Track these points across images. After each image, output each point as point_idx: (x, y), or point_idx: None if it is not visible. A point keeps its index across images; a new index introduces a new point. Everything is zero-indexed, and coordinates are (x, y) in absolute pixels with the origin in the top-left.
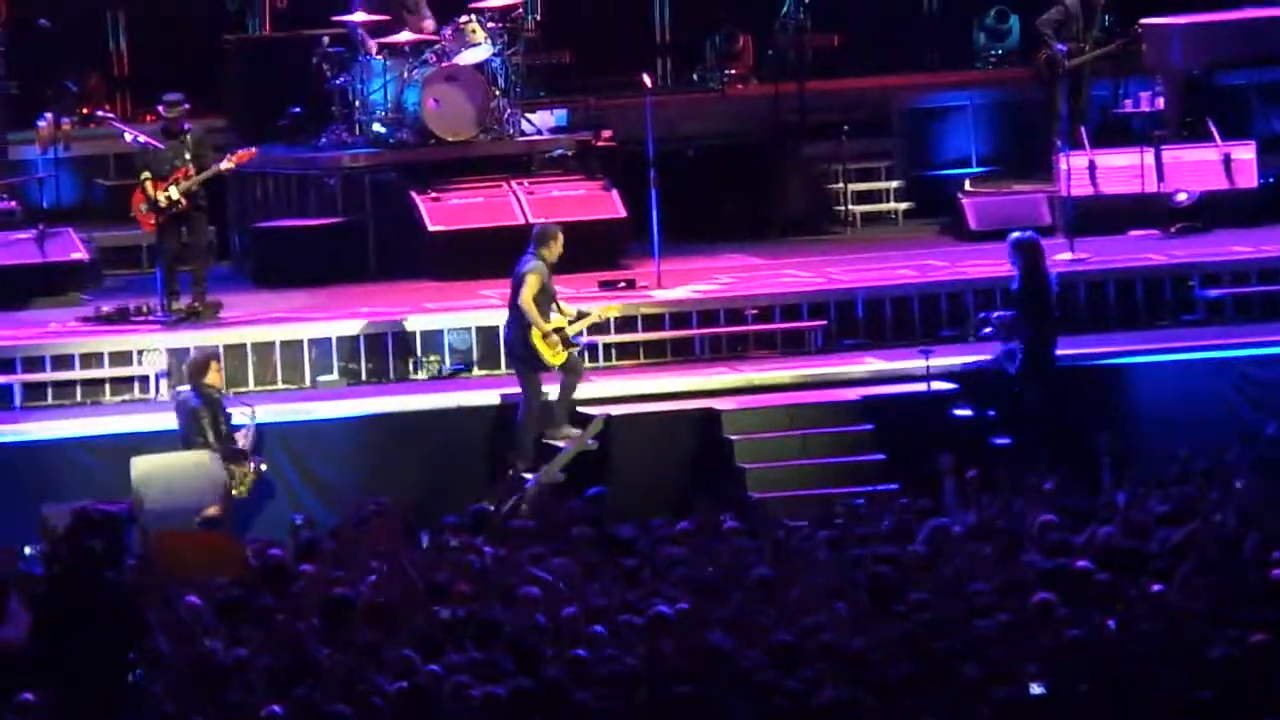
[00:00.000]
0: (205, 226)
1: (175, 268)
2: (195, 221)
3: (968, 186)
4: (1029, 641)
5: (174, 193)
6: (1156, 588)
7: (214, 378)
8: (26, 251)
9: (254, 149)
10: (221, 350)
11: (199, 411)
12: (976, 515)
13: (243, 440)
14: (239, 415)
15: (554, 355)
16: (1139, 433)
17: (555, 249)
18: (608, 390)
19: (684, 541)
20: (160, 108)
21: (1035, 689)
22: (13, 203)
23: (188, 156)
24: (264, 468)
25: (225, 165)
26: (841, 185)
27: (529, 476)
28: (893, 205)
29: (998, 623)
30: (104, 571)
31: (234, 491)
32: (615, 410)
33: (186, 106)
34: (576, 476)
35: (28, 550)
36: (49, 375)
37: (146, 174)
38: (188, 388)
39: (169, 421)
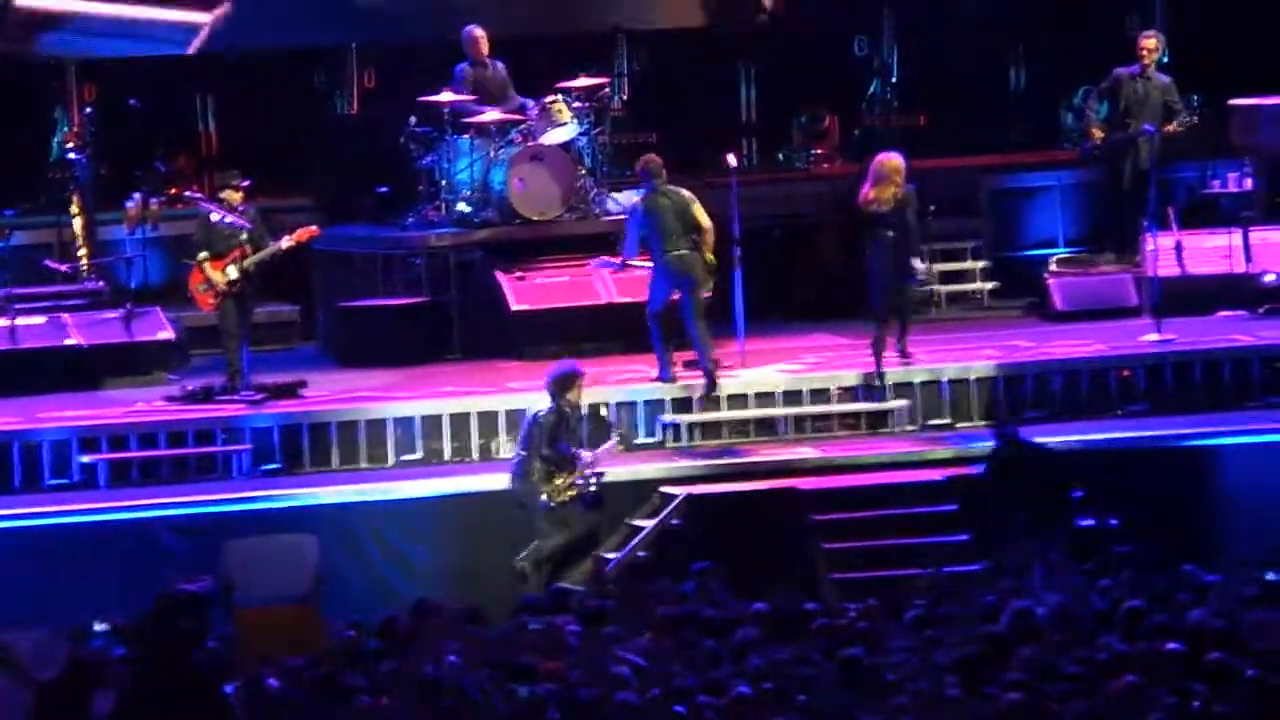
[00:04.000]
0: (253, 307)
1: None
2: (247, 302)
3: (1053, 267)
4: None
5: (233, 272)
6: (1250, 672)
7: (575, 394)
8: (113, 331)
9: (315, 228)
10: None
11: (547, 420)
12: (1062, 596)
13: (592, 456)
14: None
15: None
16: (1227, 513)
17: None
18: (690, 469)
19: (763, 622)
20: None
21: None
22: (100, 283)
23: (244, 237)
24: (594, 485)
25: (286, 244)
26: (927, 265)
27: (611, 557)
28: (978, 285)
29: (1084, 705)
30: (189, 651)
31: (552, 497)
32: (697, 489)
33: (245, 182)
34: (659, 555)
35: (97, 627)
36: (135, 454)
37: (204, 254)
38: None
39: (252, 503)
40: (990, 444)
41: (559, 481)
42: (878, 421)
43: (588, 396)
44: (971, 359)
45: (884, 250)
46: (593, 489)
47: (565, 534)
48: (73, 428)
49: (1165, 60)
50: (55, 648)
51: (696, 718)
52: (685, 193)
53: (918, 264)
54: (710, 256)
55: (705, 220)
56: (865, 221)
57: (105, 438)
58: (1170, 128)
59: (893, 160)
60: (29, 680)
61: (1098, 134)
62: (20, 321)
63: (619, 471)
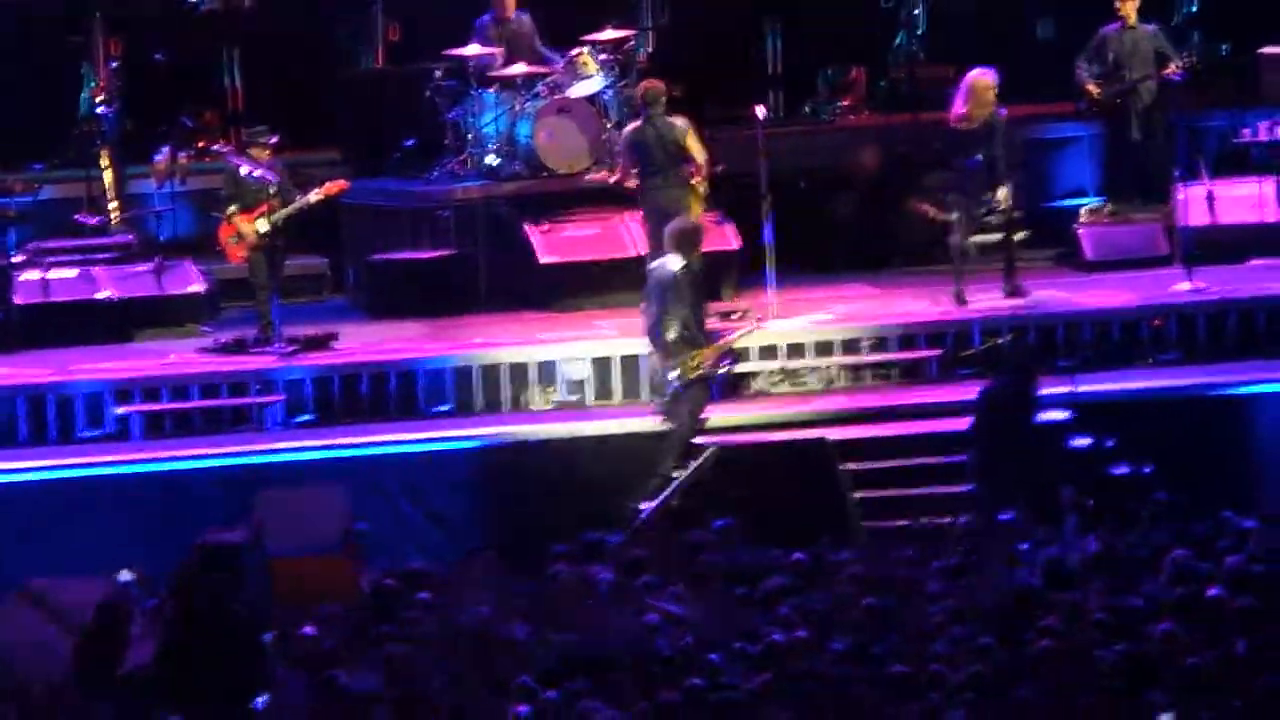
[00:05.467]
0: (283, 260)
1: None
2: (277, 255)
3: (1084, 217)
4: (1154, 671)
5: (263, 225)
6: None
7: (699, 253)
8: (145, 284)
9: (344, 181)
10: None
11: (682, 276)
12: (1096, 545)
13: (729, 339)
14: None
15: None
16: (1260, 462)
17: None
18: (721, 420)
19: (797, 571)
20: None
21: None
22: (130, 236)
23: (272, 190)
24: (726, 368)
25: (315, 197)
26: (1007, 193)
27: (644, 507)
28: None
29: (1120, 652)
30: (226, 601)
31: (683, 375)
32: (728, 440)
33: (274, 139)
34: (691, 505)
35: (123, 576)
36: (168, 406)
37: (234, 207)
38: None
39: (285, 454)
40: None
41: (692, 359)
42: (909, 371)
43: (619, 348)
44: (1002, 309)
45: (969, 173)
46: (722, 372)
47: (683, 422)
48: (106, 380)
49: (1193, 10)
50: (91, 596)
51: (730, 666)
52: (678, 123)
53: (1000, 191)
54: (700, 187)
55: (698, 151)
56: (954, 141)
57: (139, 390)
58: (1169, 70)
59: (983, 78)
60: (68, 628)
61: (1094, 90)
62: (52, 275)
63: (647, 424)
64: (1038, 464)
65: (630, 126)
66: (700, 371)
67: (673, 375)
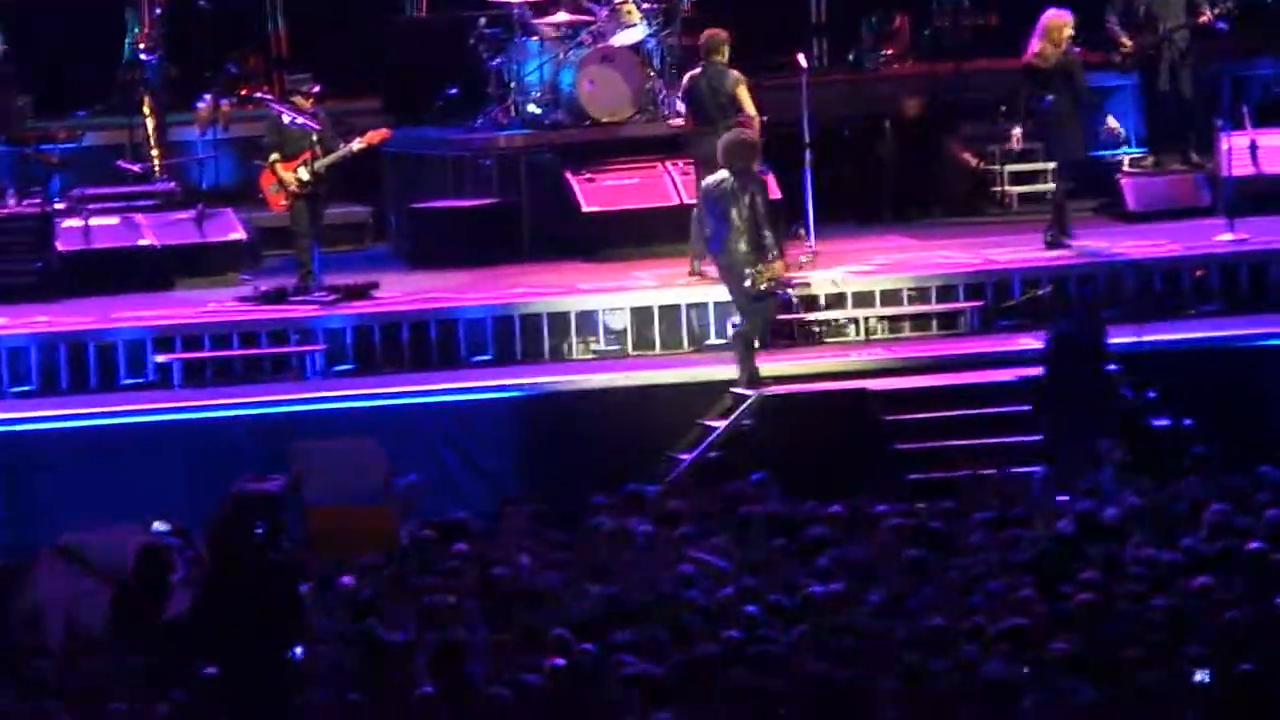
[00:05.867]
0: (324, 209)
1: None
2: (318, 203)
3: (1126, 167)
4: (1192, 625)
5: (304, 173)
6: None
7: (756, 165)
8: (186, 232)
9: (387, 129)
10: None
11: (728, 192)
12: (1135, 498)
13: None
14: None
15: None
16: None
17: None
18: (762, 370)
19: (836, 523)
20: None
21: (1200, 675)
22: (172, 183)
23: (314, 139)
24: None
25: (357, 146)
26: (998, 166)
27: (683, 458)
28: (1050, 185)
29: (1159, 606)
30: (263, 550)
31: (755, 281)
32: (768, 391)
33: (316, 88)
34: (729, 457)
35: (156, 527)
36: (209, 354)
37: (275, 155)
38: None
39: (325, 403)
40: (1056, 337)
41: (764, 271)
42: (948, 322)
43: (660, 298)
44: (1044, 260)
45: (1047, 113)
46: (788, 291)
47: (756, 324)
48: (147, 328)
49: None
50: (126, 548)
51: (768, 618)
52: (732, 74)
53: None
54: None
55: (748, 104)
56: (1029, 80)
57: (179, 338)
58: (1205, 18)
59: (1057, 18)
60: (105, 580)
61: (1126, 43)
62: (94, 222)
63: (687, 374)
64: (1107, 415)
65: (689, 74)
66: (771, 284)
67: (747, 284)
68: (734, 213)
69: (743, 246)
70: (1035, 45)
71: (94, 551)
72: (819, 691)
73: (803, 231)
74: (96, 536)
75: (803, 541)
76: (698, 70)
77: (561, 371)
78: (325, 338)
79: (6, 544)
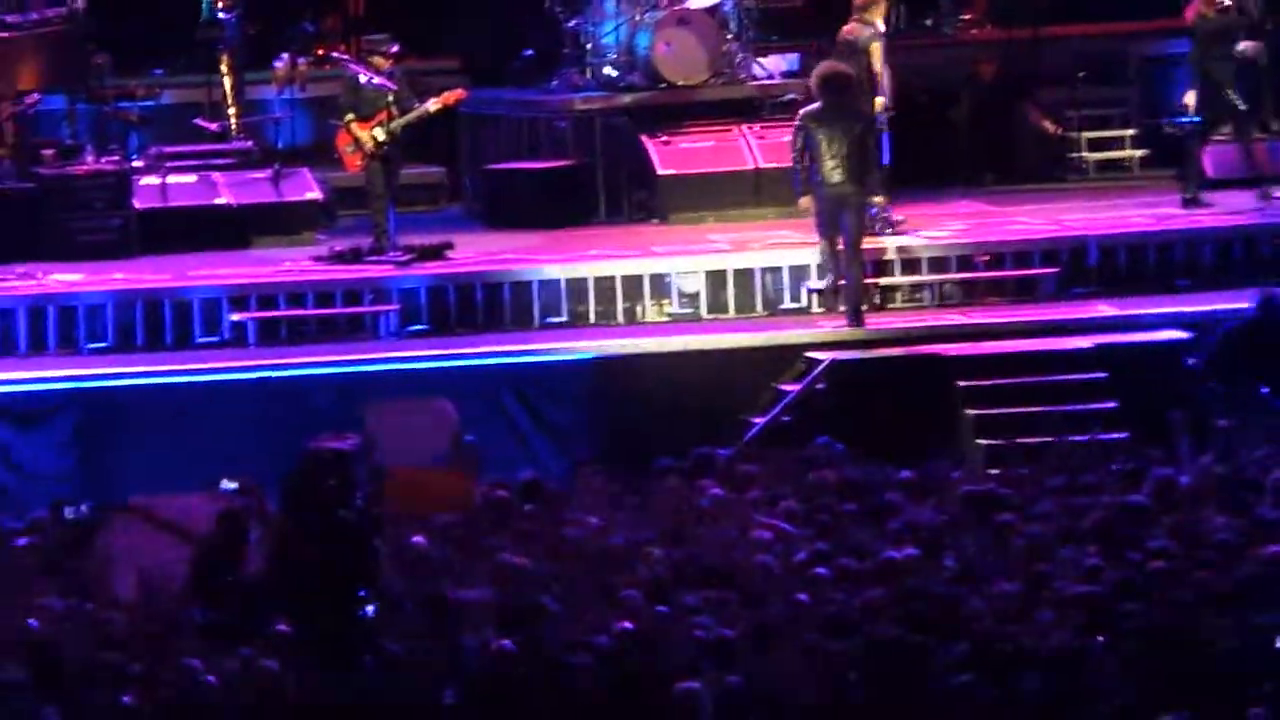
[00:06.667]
0: (399, 169)
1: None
2: (393, 163)
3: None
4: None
5: (380, 133)
6: None
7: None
8: (262, 190)
9: (462, 90)
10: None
11: (821, 119)
12: (1209, 466)
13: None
14: None
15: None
16: None
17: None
18: (835, 335)
19: (908, 488)
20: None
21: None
22: (249, 142)
23: (390, 99)
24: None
25: (433, 106)
26: (1076, 132)
27: (755, 421)
28: (1128, 153)
29: (1231, 575)
30: (336, 509)
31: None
32: (842, 355)
33: (394, 48)
34: (802, 421)
35: (225, 485)
36: (283, 313)
37: (351, 115)
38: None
39: (399, 363)
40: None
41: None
42: (1024, 288)
43: (734, 261)
44: (1121, 227)
45: (1207, 66)
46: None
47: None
48: (223, 286)
49: None
50: (198, 510)
51: (839, 582)
52: (867, 32)
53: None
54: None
55: (876, 60)
56: (1194, 36)
57: (255, 296)
58: None
59: None
60: (184, 536)
61: (1204, 8)
62: (171, 180)
63: (761, 338)
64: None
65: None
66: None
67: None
68: (824, 143)
69: (836, 177)
70: (1196, 4)
71: (167, 511)
72: (889, 656)
73: (881, 199)
74: (167, 499)
75: (874, 506)
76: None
77: (635, 334)
78: (399, 298)
79: (81, 499)
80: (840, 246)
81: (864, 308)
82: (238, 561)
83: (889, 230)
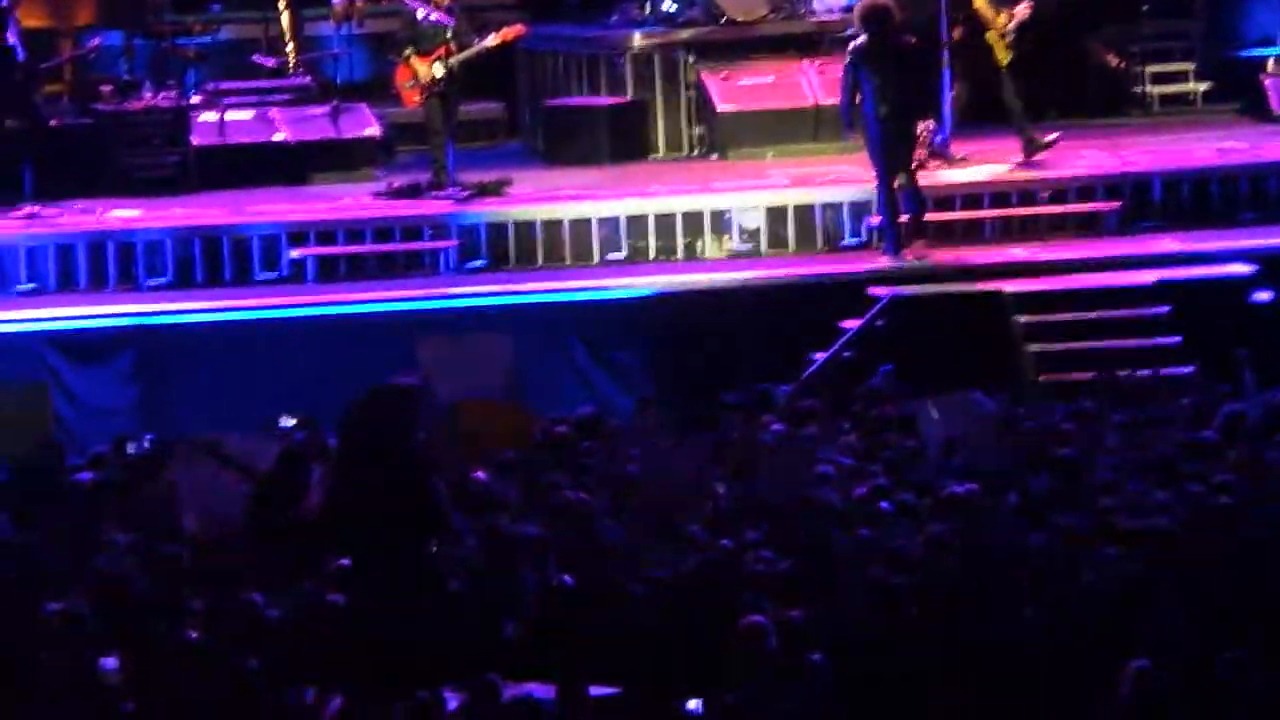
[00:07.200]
0: (458, 105)
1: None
2: (452, 99)
3: (1270, 67)
4: None
5: (439, 69)
6: None
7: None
8: (321, 127)
9: (522, 25)
10: None
11: (867, 53)
12: (1275, 401)
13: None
14: None
15: None
16: None
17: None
18: (896, 271)
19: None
20: None
21: None
22: (308, 78)
23: (449, 34)
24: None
25: (492, 42)
26: (1139, 66)
27: (815, 357)
28: (1192, 86)
29: None
30: (397, 444)
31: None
32: (902, 290)
33: None
34: (862, 357)
35: (283, 422)
36: (342, 249)
37: (410, 50)
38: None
39: (459, 299)
40: None
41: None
42: (1086, 223)
43: (793, 198)
44: (1185, 161)
45: None
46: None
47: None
48: (281, 222)
49: None
50: (266, 443)
51: (902, 518)
52: None
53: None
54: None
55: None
56: None
57: (313, 233)
58: None
59: None
60: (246, 473)
61: None
62: (229, 116)
63: (821, 274)
64: None
65: None
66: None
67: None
68: (873, 77)
69: (884, 110)
70: None
71: (228, 447)
72: (951, 591)
73: (939, 139)
74: (229, 435)
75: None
76: None
77: (695, 271)
78: (459, 234)
79: (142, 433)
80: (897, 182)
81: (905, 245)
82: (298, 498)
83: (949, 165)
